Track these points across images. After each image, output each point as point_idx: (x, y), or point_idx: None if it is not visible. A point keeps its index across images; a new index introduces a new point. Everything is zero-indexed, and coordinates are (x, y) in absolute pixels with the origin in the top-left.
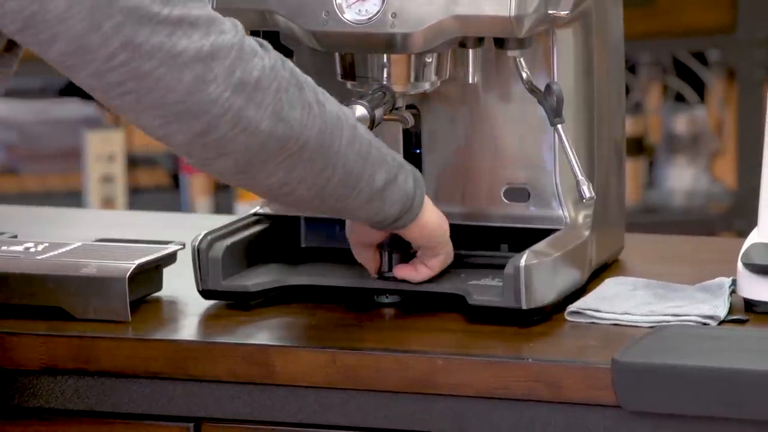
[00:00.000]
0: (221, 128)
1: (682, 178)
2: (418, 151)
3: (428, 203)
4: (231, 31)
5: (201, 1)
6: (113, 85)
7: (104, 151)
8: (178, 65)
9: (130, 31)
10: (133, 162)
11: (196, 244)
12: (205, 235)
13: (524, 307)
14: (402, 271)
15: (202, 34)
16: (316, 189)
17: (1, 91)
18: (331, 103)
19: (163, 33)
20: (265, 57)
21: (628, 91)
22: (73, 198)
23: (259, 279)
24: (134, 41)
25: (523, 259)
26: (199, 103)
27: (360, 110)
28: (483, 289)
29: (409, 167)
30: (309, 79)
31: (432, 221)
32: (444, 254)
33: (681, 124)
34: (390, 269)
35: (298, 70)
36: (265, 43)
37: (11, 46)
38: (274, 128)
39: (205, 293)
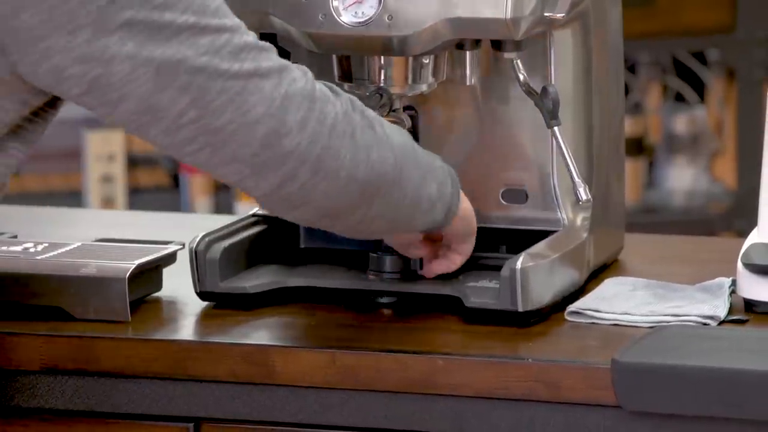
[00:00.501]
0: (300, 178)
1: (682, 178)
2: None
3: (461, 194)
4: (301, 79)
5: (271, 51)
6: (186, 141)
7: (104, 151)
8: (250, 120)
9: (198, 89)
10: (133, 162)
11: (194, 246)
12: (203, 237)
13: (520, 309)
14: (436, 267)
15: (273, 85)
16: (390, 217)
17: (34, 142)
18: (391, 130)
19: (233, 89)
20: (337, 103)
21: (627, 91)
22: (73, 198)
23: (257, 280)
24: (203, 99)
25: (519, 261)
26: (275, 156)
27: None
28: (480, 291)
29: (446, 166)
30: (373, 113)
31: (467, 211)
32: (474, 237)
33: (681, 124)
34: (388, 271)
35: (367, 110)
36: (335, 87)
37: (55, 102)
38: (353, 172)
39: (203, 295)
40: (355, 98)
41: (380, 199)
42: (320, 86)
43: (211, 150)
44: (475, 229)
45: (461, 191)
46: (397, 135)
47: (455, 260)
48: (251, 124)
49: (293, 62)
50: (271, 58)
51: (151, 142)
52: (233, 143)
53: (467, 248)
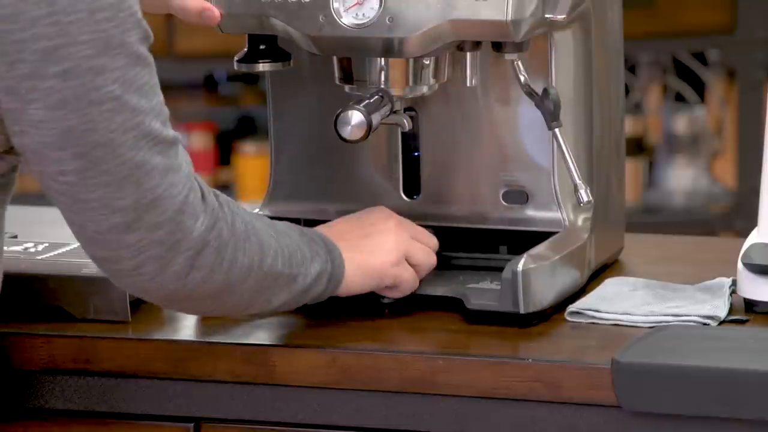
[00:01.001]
0: (123, 265)
1: (682, 178)
2: (417, 154)
3: (350, 275)
4: (178, 185)
5: (171, 145)
6: (53, 189)
7: None
8: (112, 208)
9: (87, 163)
10: None
11: None
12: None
13: (522, 311)
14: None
15: (151, 185)
16: (201, 313)
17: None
18: (250, 252)
19: (114, 176)
20: (199, 219)
21: (628, 91)
22: None
23: None
24: (86, 173)
25: (521, 263)
26: (112, 242)
27: (357, 117)
28: (481, 293)
29: (328, 267)
30: (243, 228)
31: (355, 286)
32: (396, 290)
33: (681, 124)
34: None
35: (233, 223)
36: (210, 197)
37: None
38: (166, 284)
39: None
40: (227, 212)
41: (187, 304)
42: (194, 197)
43: (66, 207)
44: (391, 283)
45: (358, 267)
46: (252, 255)
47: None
48: (112, 211)
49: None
50: (166, 153)
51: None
52: (87, 217)
53: (396, 293)
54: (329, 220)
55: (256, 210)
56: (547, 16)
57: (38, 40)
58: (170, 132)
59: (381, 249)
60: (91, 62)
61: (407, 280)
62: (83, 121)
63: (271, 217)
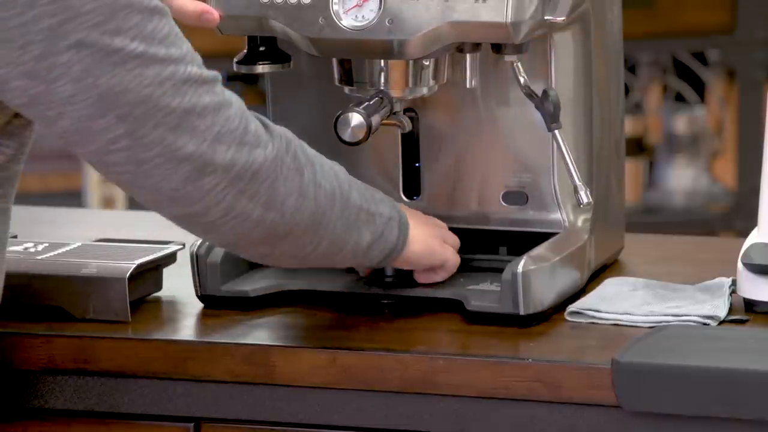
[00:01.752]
0: (211, 215)
1: (682, 178)
2: (417, 155)
3: (413, 237)
4: (235, 118)
5: (213, 83)
6: (112, 164)
7: None
8: (177, 158)
9: (135, 121)
10: None
11: (195, 249)
12: (204, 240)
13: (522, 312)
14: (423, 277)
15: (208, 124)
16: (299, 258)
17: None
18: (329, 178)
19: (167, 125)
20: (268, 145)
21: (627, 91)
22: (73, 198)
23: (258, 284)
24: (137, 132)
25: (521, 264)
26: (192, 192)
27: (357, 118)
28: (481, 294)
29: (396, 215)
30: (314, 156)
31: (415, 254)
32: (442, 270)
33: (681, 124)
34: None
35: (304, 150)
36: (271, 125)
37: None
38: (263, 216)
39: (204, 299)
40: (293, 138)
41: (288, 242)
42: (255, 126)
43: (133, 177)
44: (439, 263)
45: (421, 232)
46: (332, 180)
47: (439, 272)
48: (178, 161)
49: (291, 66)
50: (212, 91)
51: (79, 156)
52: (157, 176)
53: (436, 276)
54: None
55: None
56: (546, 17)
57: (40, 19)
58: (209, 72)
59: (433, 228)
60: (102, 28)
61: (452, 264)
62: (113, 84)
63: None
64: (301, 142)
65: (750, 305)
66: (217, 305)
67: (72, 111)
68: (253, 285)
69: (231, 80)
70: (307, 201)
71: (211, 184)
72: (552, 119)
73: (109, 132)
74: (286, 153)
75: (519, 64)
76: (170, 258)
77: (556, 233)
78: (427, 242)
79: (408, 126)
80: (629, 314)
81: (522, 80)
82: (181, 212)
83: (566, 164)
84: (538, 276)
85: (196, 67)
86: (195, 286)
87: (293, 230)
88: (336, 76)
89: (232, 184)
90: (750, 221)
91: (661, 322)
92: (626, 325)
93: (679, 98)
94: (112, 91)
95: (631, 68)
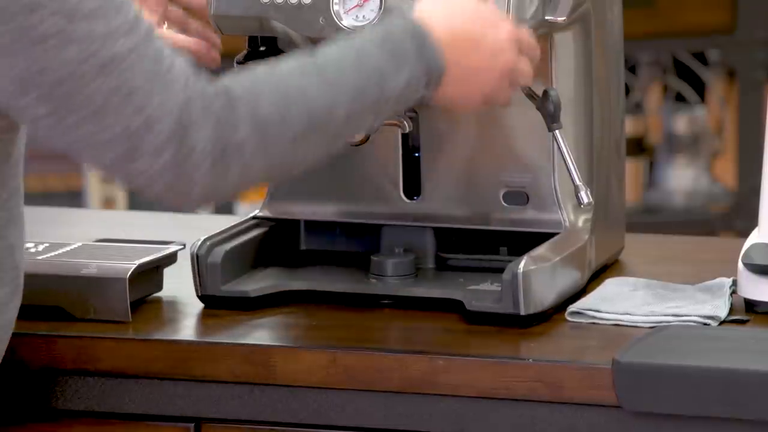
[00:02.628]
0: (156, 189)
1: (682, 178)
2: (417, 155)
3: (449, 81)
4: (170, 99)
5: (157, 57)
6: (44, 138)
7: None
8: (102, 141)
9: (56, 102)
10: None
11: (195, 249)
12: (204, 241)
13: (522, 313)
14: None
15: (136, 107)
16: (321, 155)
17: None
18: (289, 127)
19: (89, 108)
20: (209, 119)
21: (628, 91)
22: (73, 198)
23: (258, 284)
24: (58, 112)
25: (521, 265)
26: (127, 173)
27: None
28: (481, 294)
29: (423, 67)
30: (266, 114)
31: (450, 98)
32: (521, 67)
33: (681, 124)
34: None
35: (274, 94)
36: (229, 87)
37: None
38: (207, 193)
39: (205, 299)
40: (244, 98)
41: (279, 171)
42: (198, 101)
43: (68, 152)
44: (508, 62)
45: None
46: (299, 120)
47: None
48: (104, 145)
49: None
50: (144, 71)
51: None
52: (88, 155)
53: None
54: (329, 221)
55: (255, 212)
56: (547, 17)
57: None
58: (151, 46)
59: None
60: (20, 2)
61: (525, 74)
62: (31, 63)
63: (271, 219)
64: (262, 90)
65: (750, 305)
66: (217, 305)
67: None
68: (254, 285)
69: None
70: (255, 164)
71: (143, 167)
72: (552, 119)
73: (32, 111)
74: (231, 127)
75: None
76: (170, 258)
77: (557, 233)
78: (467, 84)
79: (408, 126)
80: (630, 314)
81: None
82: (121, 184)
83: (567, 164)
84: (538, 276)
85: (129, 42)
86: (195, 286)
87: (248, 184)
88: None
89: (164, 171)
90: (750, 221)
91: (661, 322)
92: (627, 326)
93: (680, 98)
94: (30, 71)
95: (631, 68)
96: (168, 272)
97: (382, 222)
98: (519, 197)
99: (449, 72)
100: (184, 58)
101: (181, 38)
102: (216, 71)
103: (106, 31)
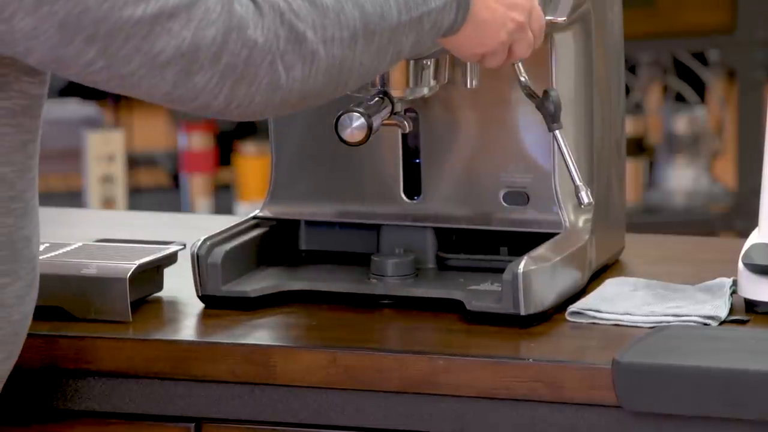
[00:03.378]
0: (213, 107)
1: (682, 179)
2: (417, 155)
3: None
4: (214, 9)
5: None
6: (99, 83)
7: (104, 152)
8: (158, 65)
9: (104, 39)
10: (134, 162)
11: (195, 249)
12: (204, 241)
13: (523, 313)
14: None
15: (182, 24)
16: (338, 92)
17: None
18: (344, 24)
19: (138, 36)
20: (258, 25)
21: (628, 91)
22: (73, 198)
23: (259, 284)
24: (109, 49)
25: (522, 265)
26: (186, 93)
27: (357, 119)
28: (481, 294)
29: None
30: (322, 9)
31: (486, 13)
32: (524, 37)
33: (681, 124)
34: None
35: (303, 13)
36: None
37: None
38: (270, 98)
39: (205, 299)
40: (287, 5)
41: (308, 101)
42: (240, 7)
43: (122, 88)
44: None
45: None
46: (350, 22)
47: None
48: (160, 67)
49: None
50: None
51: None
52: (144, 85)
53: (535, 23)
54: (329, 222)
55: (256, 212)
56: (547, 17)
57: None
58: None
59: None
60: None
61: (526, 44)
62: (70, 7)
63: (271, 219)
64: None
65: (751, 305)
66: (217, 305)
67: (38, 44)
68: (254, 285)
69: None
70: (316, 65)
71: (203, 82)
72: (553, 119)
73: (81, 56)
74: (281, 25)
75: (520, 64)
76: (171, 258)
77: (557, 233)
78: (494, 12)
79: (409, 126)
80: (630, 314)
81: (523, 80)
82: (183, 108)
83: (567, 164)
84: (538, 276)
85: None
86: (195, 286)
87: (308, 97)
88: None
89: (224, 77)
90: (750, 221)
91: (661, 322)
92: (627, 326)
93: (680, 98)
94: (72, 15)
95: (631, 68)
96: (168, 272)
97: (382, 222)
98: (519, 197)
99: (473, 8)
100: None
101: None
102: None
103: None
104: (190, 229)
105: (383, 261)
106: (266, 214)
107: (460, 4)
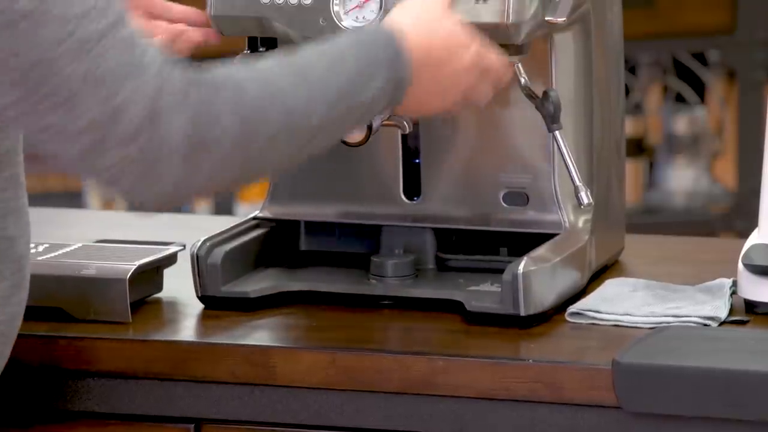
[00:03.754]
0: (118, 186)
1: (682, 179)
2: (417, 156)
3: (417, 88)
4: (144, 92)
5: (132, 42)
6: (11, 125)
7: None
8: (73, 130)
9: (28, 88)
10: None
11: (195, 250)
12: (204, 242)
13: (522, 313)
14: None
15: (109, 92)
16: (291, 159)
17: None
18: (265, 125)
19: (62, 94)
20: (179, 117)
21: (628, 91)
22: (73, 199)
23: (259, 285)
24: (30, 99)
25: (521, 265)
26: (92, 167)
27: None
28: (481, 295)
29: (390, 82)
30: (240, 108)
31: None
32: (480, 89)
33: (681, 124)
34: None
35: (222, 109)
36: (213, 76)
37: None
38: (176, 190)
39: (205, 299)
40: (207, 100)
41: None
42: (169, 98)
43: (33, 142)
44: (475, 75)
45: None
46: (263, 118)
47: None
48: (76, 134)
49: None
50: (117, 55)
51: None
52: (55, 147)
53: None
54: (329, 222)
55: (255, 213)
56: (547, 18)
57: None
58: (124, 30)
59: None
60: None
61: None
62: (3, 48)
63: (271, 220)
64: (243, 84)
65: (751, 306)
66: (217, 306)
67: None
68: (254, 286)
69: None
70: (229, 163)
71: (111, 161)
72: (552, 120)
73: (4, 97)
74: (201, 122)
75: (519, 65)
76: (170, 259)
77: (557, 234)
78: (434, 96)
79: (408, 127)
80: (630, 315)
81: (522, 81)
82: (86, 179)
83: (567, 165)
84: (538, 277)
85: (103, 25)
86: (195, 287)
87: (219, 187)
88: None
89: (132, 162)
90: (750, 222)
91: (661, 322)
92: (627, 326)
93: (680, 99)
94: (2, 55)
95: (631, 69)
96: (168, 273)
97: (382, 223)
98: (519, 198)
99: (414, 86)
100: (159, 46)
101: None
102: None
103: (80, 11)
104: (190, 229)
105: (383, 262)
106: (266, 214)
107: (398, 86)
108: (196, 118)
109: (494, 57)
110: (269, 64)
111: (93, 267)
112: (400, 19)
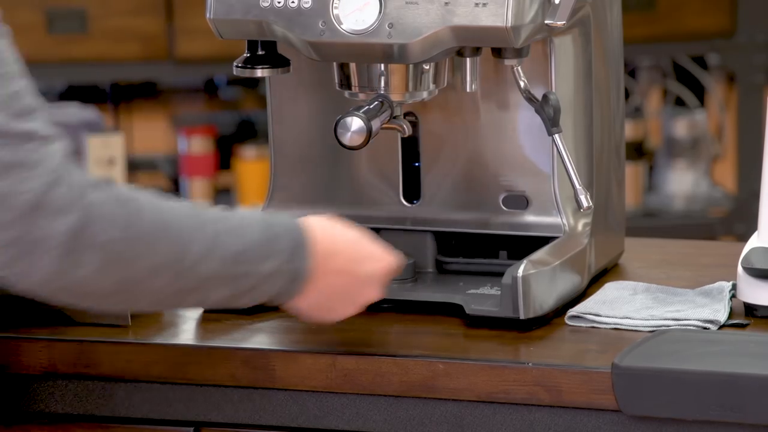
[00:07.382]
0: None
1: (682, 182)
2: (417, 159)
3: (312, 290)
4: (31, 185)
5: (23, 136)
6: None
7: (104, 155)
8: None
9: None
10: (133, 166)
11: None
12: None
13: (522, 316)
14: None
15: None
16: (166, 301)
17: None
18: (150, 256)
19: None
20: (68, 216)
21: (627, 95)
22: None
23: None
24: None
25: (521, 269)
26: None
27: (357, 123)
28: (481, 298)
29: (289, 270)
30: (131, 229)
31: (306, 310)
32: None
33: (681, 128)
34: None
35: (108, 233)
36: (91, 195)
37: None
38: (47, 286)
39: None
40: (126, 206)
41: (108, 302)
42: (57, 193)
43: None
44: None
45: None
46: (166, 254)
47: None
48: None
49: (291, 70)
50: (10, 148)
51: None
52: None
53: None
54: None
55: None
56: (546, 21)
57: None
58: (24, 126)
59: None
60: None
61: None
62: None
63: None
64: (146, 207)
65: (750, 309)
66: (216, 309)
67: None
68: None
69: (231, 84)
70: (108, 274)
71: None
72: (552, 123)
73: None
74: (86, 226)
75: (519, 68)
76: None
77: (557, 237)
78: (327, 302)
79: (408, 130)
80: (629, 318)
81: (522, 84)
82: None
83: (566, 168)
84: (538, 280)
85: (2, 117)
86: None
87: (86, 294)
88: (336, 80)
89: (6, 247)
90: (750, 225)
91: (661, 326)
92: (626, 329)
93: (679, 102)
94: None
95: (631, 72)
96: None
97: (381, 226)
98: (519, 201)
99: (309, 288)
100: (65, 144)
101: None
102: None
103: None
104: None
105: None
106: None
107: (295, 277)
108: (85, 219)
109: (397, 267)
110: (178, 204)
111: None
112: (315, 221)
